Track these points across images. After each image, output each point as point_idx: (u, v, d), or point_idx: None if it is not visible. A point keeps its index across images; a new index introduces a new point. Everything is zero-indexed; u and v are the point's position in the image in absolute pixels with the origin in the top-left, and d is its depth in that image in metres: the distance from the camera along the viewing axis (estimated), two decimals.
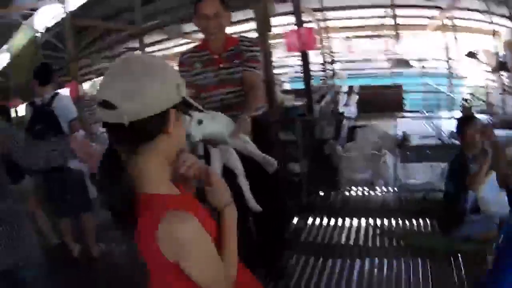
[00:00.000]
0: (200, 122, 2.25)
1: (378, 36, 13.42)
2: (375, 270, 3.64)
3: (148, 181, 1.23)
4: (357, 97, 12.32)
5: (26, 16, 9.96)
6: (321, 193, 5.69)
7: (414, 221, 4.53)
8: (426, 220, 4.50)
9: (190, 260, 1.14)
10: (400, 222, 4.57)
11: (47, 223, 5.12)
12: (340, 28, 14.37)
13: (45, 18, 10.33)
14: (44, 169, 4.09)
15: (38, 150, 2.49)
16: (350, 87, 13.18)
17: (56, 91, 4.52)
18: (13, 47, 10.68)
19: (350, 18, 13.37)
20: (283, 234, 3.78)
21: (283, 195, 3.71)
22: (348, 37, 15.45)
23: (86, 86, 25.39)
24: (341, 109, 10.51)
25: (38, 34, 10.18)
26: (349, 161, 6.03)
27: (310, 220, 4.86)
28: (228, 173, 2.57)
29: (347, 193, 5.75)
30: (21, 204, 4.65)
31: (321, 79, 12.39)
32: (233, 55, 3.16)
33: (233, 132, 2.46)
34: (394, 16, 11.39)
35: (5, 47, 11.15)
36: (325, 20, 11.63)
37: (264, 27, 5.65)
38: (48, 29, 10.68)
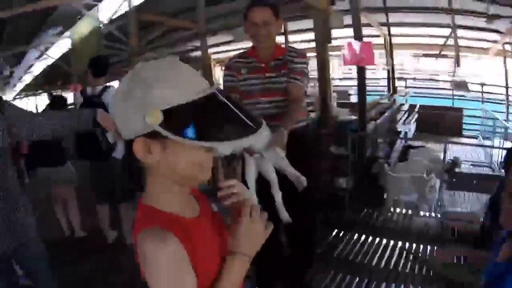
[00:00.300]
0: None
1: (442, 56, 13.09)
2: None
3: (150, 194, 1.19)
4: (416, 116, 12.11)
5: (90, 7, 10.27)
6: (365, 211, 5.68)
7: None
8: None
9: (150, 280, 1.10)
10: (435, 249, 4.52)
11: (77, 214, 5.46)
12: (406, 45, 14.17)
13: (109, 10, 10.67)
14: (90, 155, 4.42)
15: (55, 119, 2.53)
16: (412, 106, 12.95)
17: (107, 84, 4.71)
18: (75, 35, 10.99)
19: (416, 36, 13.19)
20: (310, 248, 3.81)
21: (313, 210, 3.74)
22: (415, 55, 15.22)
23: None
24: (399, 127, 10.35)
25: (102, 25, 10.47)
26: (397, 181, 5.97)
27: (348, 236, 4.93)
28: (262, 182, 2.68)
29: (390, 214, 5.71)
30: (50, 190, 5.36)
31: (382, 95, 12.30)
32: (280, 65, 3.20)
33: (268, 145, 2.50)
34: (455, 37, 11.11)
35: (67, 33, 11.48)
36: (391, 35, 11.48)
37: (323, 38, 5.70)
38: (112, 21, 11.05)
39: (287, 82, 3.16)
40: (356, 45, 5.56)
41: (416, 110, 12.56)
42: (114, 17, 10.98)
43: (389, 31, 10.85)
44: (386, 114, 8.92)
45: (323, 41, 5.76)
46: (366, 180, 6.03)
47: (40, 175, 5.22)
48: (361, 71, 5.92)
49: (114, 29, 10.88)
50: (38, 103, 24.09)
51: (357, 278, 3.98)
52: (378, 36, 11.51)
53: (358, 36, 5.69)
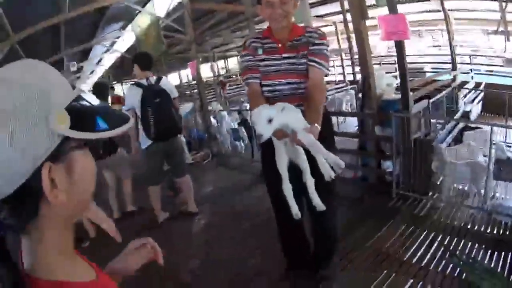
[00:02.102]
0: (270, 120, 2.26)
1: (500, 32, 11.70)
2: None
3: (47, 265, 0.82)
4: (481, 95, 10.81)
5: (142, 2, 10.21)
6: (411, 198, 5.12)
7: (490, 252, 3.79)
8: (508, 254, 3.72)
9: None
10: (476, 247, 3.87)
11: (130, 193, 6.15)
12: (468, 20, 12.97)
13: (163, 3, 10.59)
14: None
15: None
16: (477, 84, 11.57)
17: (160, 76, 5.28)
18: (137, 29, 11.13)
19: (474, 10, 11.97)
20: (334, 237, 3.52)
21: (335, 197, 3.38)
22: (483, 31, 14.01)
23: (231, 62, 26.01)
24: (462, 107, 9.32)
25: (160, 20, 10.40)
26: (449, 167, 5.13)
27: (387, 225, 4.51)
28: (294, 170, 2.60)
29: (436, 202, 5.01)
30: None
31: (439, 72, 11.30)
32: (298, 46, 2.95)
33: (306, 129, 2.35)
34: (502, 10, 9.84)
35: (129, 27, 11.65)
36: (452, 10, 10.46)
37: (359, 14, 5.33)
38: (168, 14, 10.96)
39: (308, 65, 2.91)
40: (389, 19, 4.91)
41: (480, 88, 11.23)
42: (169, 9, 10.84)
43: (442, 4, 9.79)
44: (443, 93, 8.09)
45: (359, 18, 5.34)
46: (414, 164, 5.26)
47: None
48: (399, 46, 5.20)
49: (170, 22, 10.73)
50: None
51: (384, 272, 3.59)
52: (438, 11, 10.59)
53: (392, 8, 5.01)
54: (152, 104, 4.87)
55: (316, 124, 2.47)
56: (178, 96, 5.34)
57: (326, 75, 3.00)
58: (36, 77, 0.77)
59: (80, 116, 0.78)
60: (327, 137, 2.90)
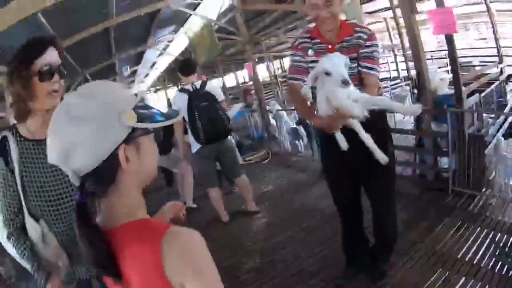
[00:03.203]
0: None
1: None
2: None
3: (127, 213, 1.12)
4: None
5: (193, 5, 10.14)
6: (467, 195, 4.87)
7: None
8: None
9: (201, 279, 1.01)
10: None
11: (190, 191, 6.33)
12: (509, 11, 12.34)
13: (214, 6, 10.44)
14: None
15: None
16: None
17: (205, 79, 5.37)
18: (190, 32, 11.06)
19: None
20: (393, 234, 3.33)
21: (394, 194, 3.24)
22: None
23: (286, 62, 25.60)
24: (510, 100, 8.86)
25: (213, 23, 10.29)
26: (501, 162, 4.89)
27: (443, 222, 4.34)
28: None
29: (489, 199, 4.77)
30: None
31: (489, 65, 10.76)
32: (348, 47, 2.77)
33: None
34: None
35: (181, 31, 11.58)
36: (493, 1, 9.96)
37: (408, 8, 5.13)
38: (219, 16, 10.83)
39: (361, 71, 2.79)
40: (438, 12, 4.71)
41: None
42: (220, 11, 10.71)
43: None
44: (492, 86, 7.78)
45: (409, 12, 5.14)
46: (469, 160, 5.03)
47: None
48: (449, 40, 4.95)
49: (223, 24, 10.62)
50: (169, 95, 25.09)
51: (439, 270, 3.47)
52: (481, 3, 10.10)
53: (439, 2, 4.81)
54: (198, 108, 4.87)
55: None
56: (231, 98, 5.40)
57: (378, 77, 2.90)
58: (107, 90, 1.13)
59: (143, 113, 1.13)
60: (380, 130, 2.89)
